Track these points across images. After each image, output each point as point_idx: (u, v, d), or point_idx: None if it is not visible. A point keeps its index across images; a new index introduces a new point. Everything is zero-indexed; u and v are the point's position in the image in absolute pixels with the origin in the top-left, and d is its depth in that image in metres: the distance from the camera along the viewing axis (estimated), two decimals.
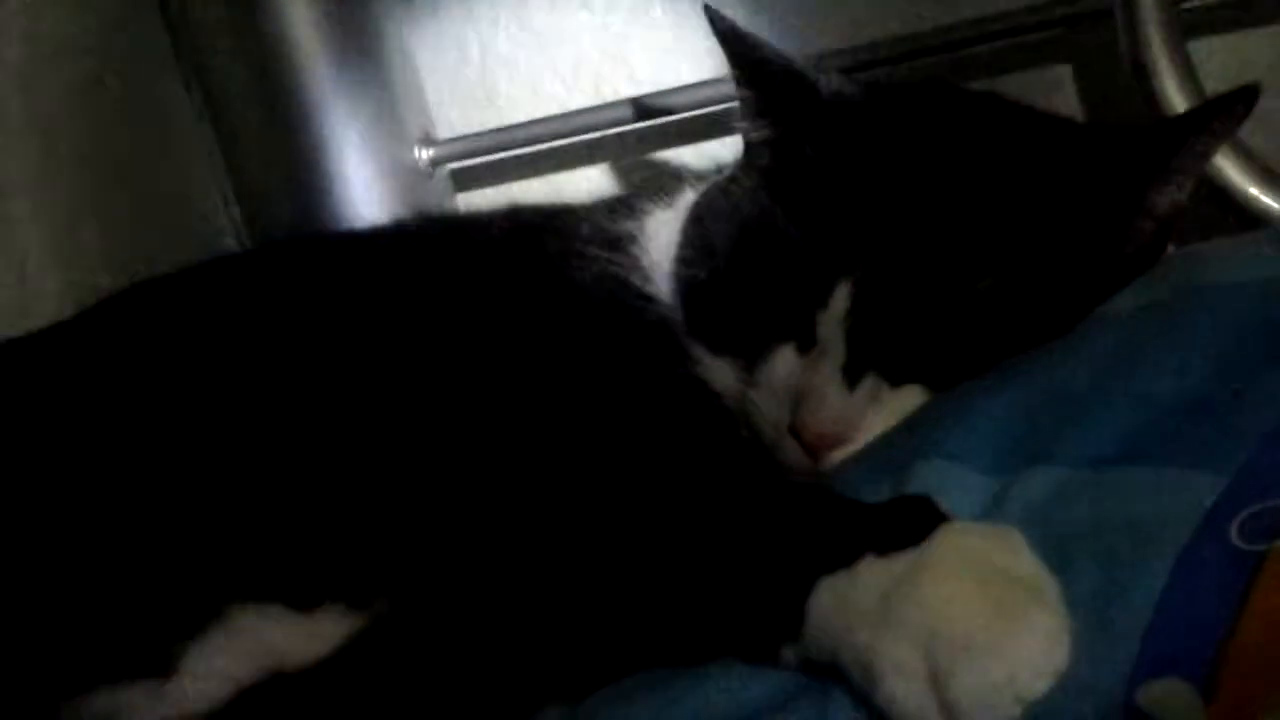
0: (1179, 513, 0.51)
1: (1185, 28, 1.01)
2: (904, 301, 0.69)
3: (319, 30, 1.19)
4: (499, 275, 0.83)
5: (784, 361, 0.74)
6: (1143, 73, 1.01)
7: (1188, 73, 1.00)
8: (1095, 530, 0.53)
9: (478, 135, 1.32)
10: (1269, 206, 0.98)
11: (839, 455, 0.69)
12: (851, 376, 0.70)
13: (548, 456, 0.69)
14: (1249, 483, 0.51)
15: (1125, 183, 0.73)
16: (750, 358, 0.75)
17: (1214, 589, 0.47)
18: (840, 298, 0.70)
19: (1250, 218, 0.98)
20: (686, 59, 1.29)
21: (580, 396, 0.73)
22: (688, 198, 0.88)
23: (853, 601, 0.51)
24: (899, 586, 0.50)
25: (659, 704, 0.57)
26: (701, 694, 0.56)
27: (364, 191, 1.22)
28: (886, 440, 0.68)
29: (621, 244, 0.86)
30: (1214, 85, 0.98)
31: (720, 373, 0.77)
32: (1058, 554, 0.52)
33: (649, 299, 0.82)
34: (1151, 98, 1.00)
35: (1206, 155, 0.76)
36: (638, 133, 1.29)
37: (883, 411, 0.70)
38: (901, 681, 0.48)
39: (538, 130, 1.29)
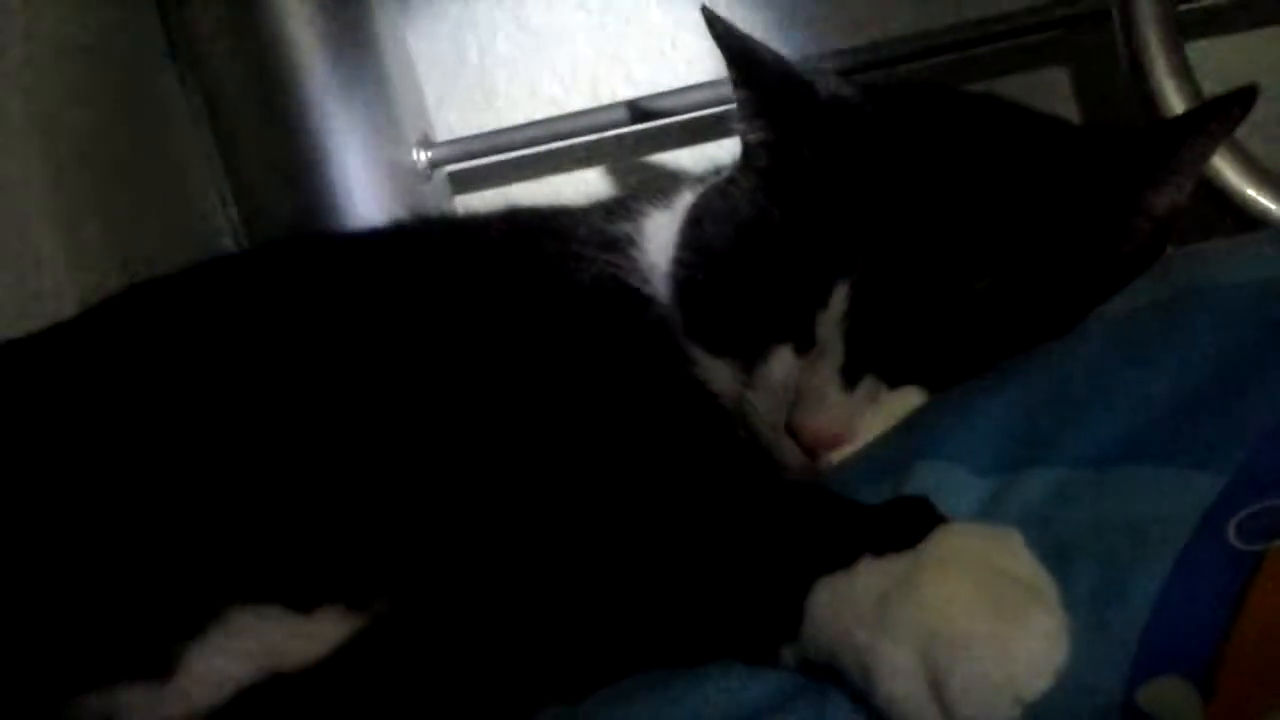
0: (1178, 513, 0.51)
1: (1183, 29, 1.01)
2: (902, 302, 0.70)
3: (317, 32, 1.19)
4: (497, 277, 0.83)
5: (782, 362, 0.74)
6: (1140, 74, 1.01)
7: (1185, 74, 1.00)
8: (1094, 530, 0.53)
9: (476, 137, 1.32)
10: (1266, 207, 0.98)
11: (837, 456, 0.69)
12: (850, 377, 0.70)
13: (546, 458, 0.69)
14: (1247, 483, 0.51)
15: (1123, 184, 0.73)
16: (748, 359, 0.75)
17: (1212, 589, 0.47)
18: (838, 298, 0.70)
19: (1248, 219, 0.98)
20: (684, 61, 1.29)
21: (579, 398, 0.73)
22: (685, 199, 0.88)
23: (851, 602, 0.51)
24: (897, 587, 0.50)
25: (658, 704, 0.57)
26: (700, 694, 0.56)
27: (362, 193, 1.22)
28: (885, 441, 0.68)
29: (619, 246, 0.86)
30: (1211, 87, 0.98)
31: (718, 374, 0.77)
32: (1056, 554, 0.52)
33: (647, 300, 0.82)
34: (1149, 99, 1.01)
35: (1204, 156, 0.76)
36: (635, 134, 1.29)
37: (881, 412, 0.69)
38: (900, 682, 0.48)
39: (535, 132, 1.29)
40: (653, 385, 0.77)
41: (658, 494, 0.64)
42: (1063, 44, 1.18)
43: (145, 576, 0.64)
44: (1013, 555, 0.52)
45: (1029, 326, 0.69)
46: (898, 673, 0.48)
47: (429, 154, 1.30)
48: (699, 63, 1.28)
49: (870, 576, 0.51)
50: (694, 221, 0.84)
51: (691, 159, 1.28)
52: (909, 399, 0.70)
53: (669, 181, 0.95)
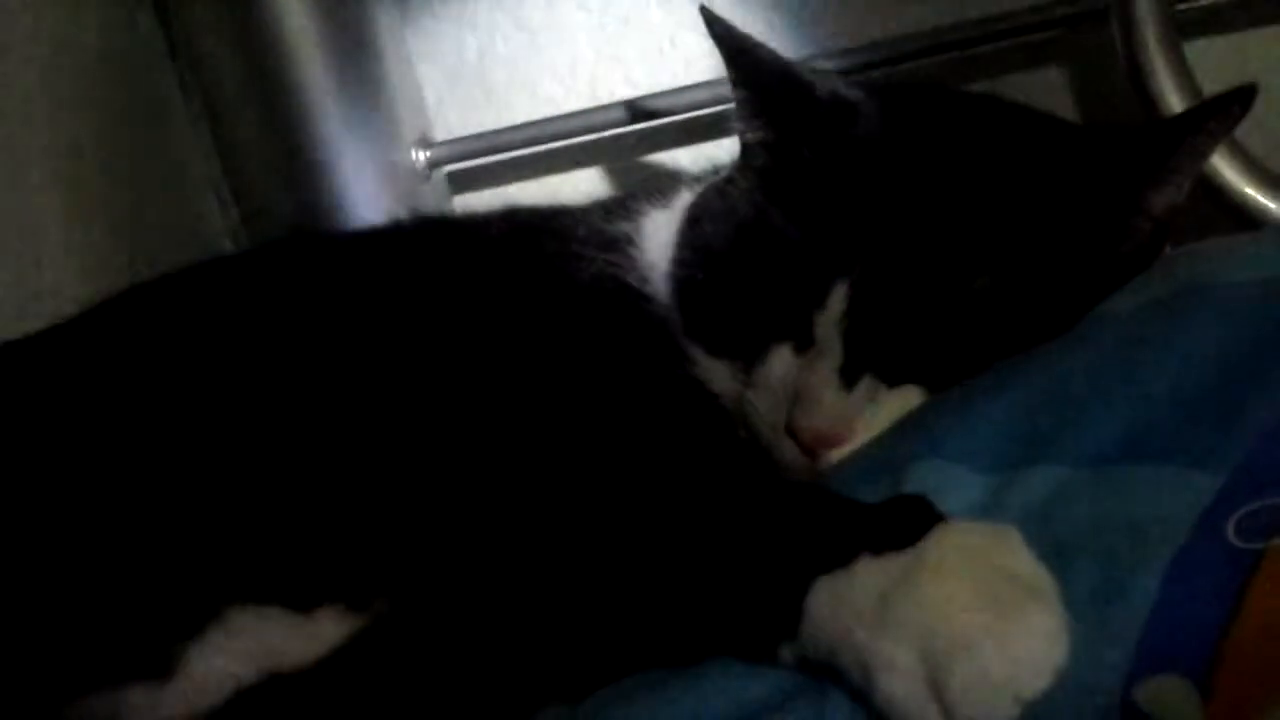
0: (1177, 512, 0.51)
1: (1181, 28, 1.01)
2: (901, 302, 0.70)
3: (316, 32, 1.19)
4: (496, 276, 0.83)
5: (781, 362, 0.74)
6: (1139, 73, 1.01)
7: (1184, 73, 1.00)
8: (1093, 529, 0.53)
9: (474, 137, 1.32)
10: (1265, 206, 0.98)
11: (836, 455, 0.69)
12: (849, 377, 0.70)
13: (546, 457, 0.69)
14: (1246, 481, 0.51)
15: (1122, 183, 0.73)
16: (748, 358, 0.75)
17: (1211, 587, 0.47)
18: (837, 298, 0.71)
19: (1247, 218, 0.98)
20: (683, 61, 1.29)
21: (578, 398, 0.73)
22: (684, 199, 0.89)
23: (850, 601, 0.51)
24: (896, 586, 0.50)
25: (657, 704, 0.57)
26: (700, 694, 0.56)
27: (361, 193, 1.22)
28: (884, 440, 0.68)
29: (618, 245, 0.86)
30: (1210, 86, 0.99)
31: (718, 373, 0.78)
32: (1056, 553, 0.51)
33: (646, 300, 0.82)
34: (1148, 98, 1.01)
35: (1203, 155, 0.76)
36: (634, 134, 1.29)
37: (880, 412, 0.70)
38: (899, 681, 0.48)
39: (534, 132, 1.29)
40: (652, 385, 0.77)
41: (657, 494, 0.64)
42: (1061, 43, 1.18)
43: (145, 577, 0.64)
44: (1012, 554, 0.52)
45: (1028, 326, 0.69)
46: (897, 671, 0.48)
47: (428, 154, 1.30)
48: (698, 62, 1.28)
49: (869, 575, 0.51)
50: (693, 221, 0.84)
51: (690, 159, 1.29)
52: (908, 398, 0.70)
53: (668, 181, 0.95)
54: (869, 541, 0.52)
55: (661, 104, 1.24)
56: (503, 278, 0.83)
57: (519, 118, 1.30)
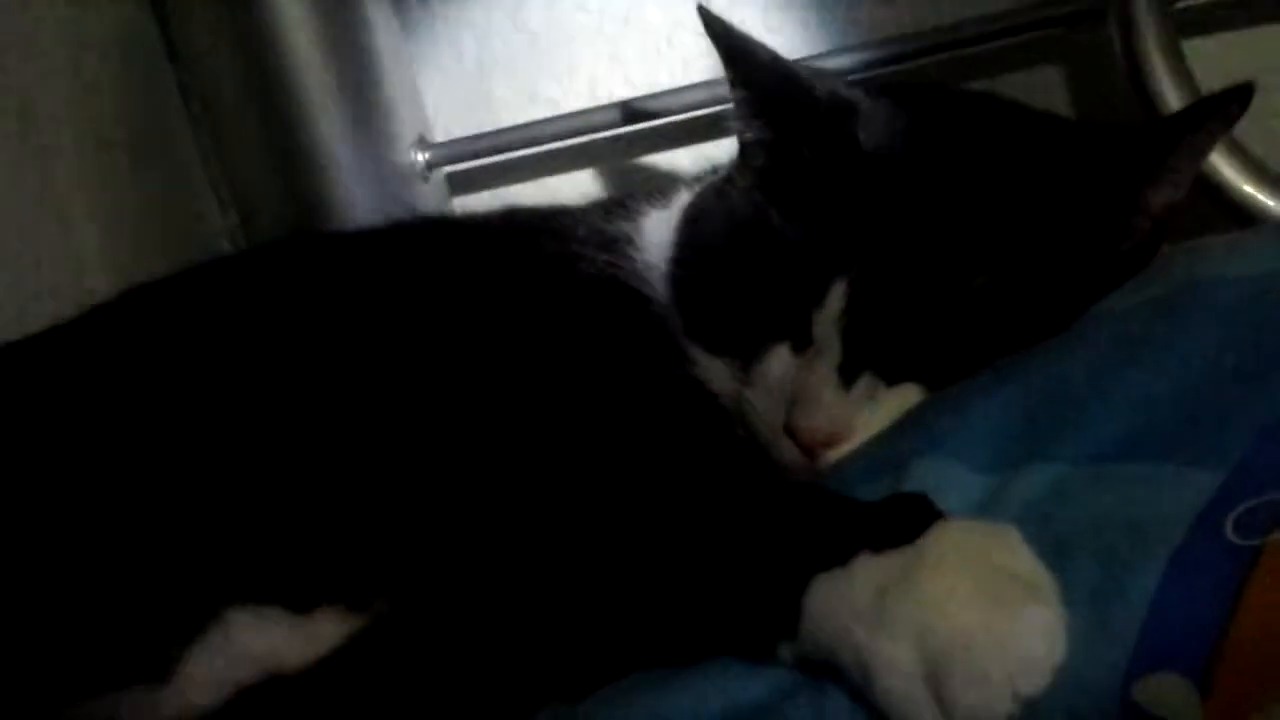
0: (1176, 510, 0.51)
1: (1180, 27, 1.01)
2: (900, 300, 0.70)
3: (313, 34, 1.19)
4: (496, 277, 0.83)
5: (780, 361, 0.74)
6: (1138, 72, 1.01)
7: (1183, 72, 1.00)
8: (1092, 527, 0.53)
9: (473, 138, 1.32)
10: (1264, 204, 0.98)
11: (835, 455, 0.69)
12: (847, 376, 0.70)
13: (545, 457, 0.69)
14: (1245, 478, 0.51)
15: (1120, 182, 0.73)
16: (746, 358, 0.75)
17: (1210, 584, 0.47)
18: (836, 297, 0.71)
19: (1245, 215, 0.98)
20: (681, 61, 1.29)
21: (577, 397, 0.73)
22: (683, 199, 0.89)
23: (849, 599, 0.51)
24: (895, 584, 0.50)
25: (658, 703, 0.57)
26: (699, 693, 0.56)
27: (360, 194, 1.22)
28: (883, 439, 0.68)
29: (617, 245, 0.86)
30: (1209, 84, 0.98)
31: (716, 373, 0.78)
32: (1055, 551, 0.51)
33: (645, 300, 0.82)
34: (1147, 97, 1.01)
35: (1202, 154, 0.76)
36: (633, 135, 1.29)
37: (879, 410, 0.70)
38: (898, 679, 0.48)
39: (533, 132, 1.29)
40: (651, 384, 0.77)
41: (657, 493, 0.64)
42: (1059, 42, 1.17)
43: (144, 579, 0.65)
44: (1011, 552, 0.52)
45: (1027, 324, 0.69)
46: (896, 669, 0.48)
47: (426, 155, 1.30)
48: (696, 62, 1.28)
49: (868, 573, 0.51)
50: (691, 221, 0.84)
51: (690, 159, 1.28)
52: (907, 397, 0.70)
53: (667, 181, 0.95)
54: (868, 540, 0.52)
55: (660, 104, 1.24)
56: (502, 278, 0.83)
57: (518, 118, 1.30)
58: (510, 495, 0.67)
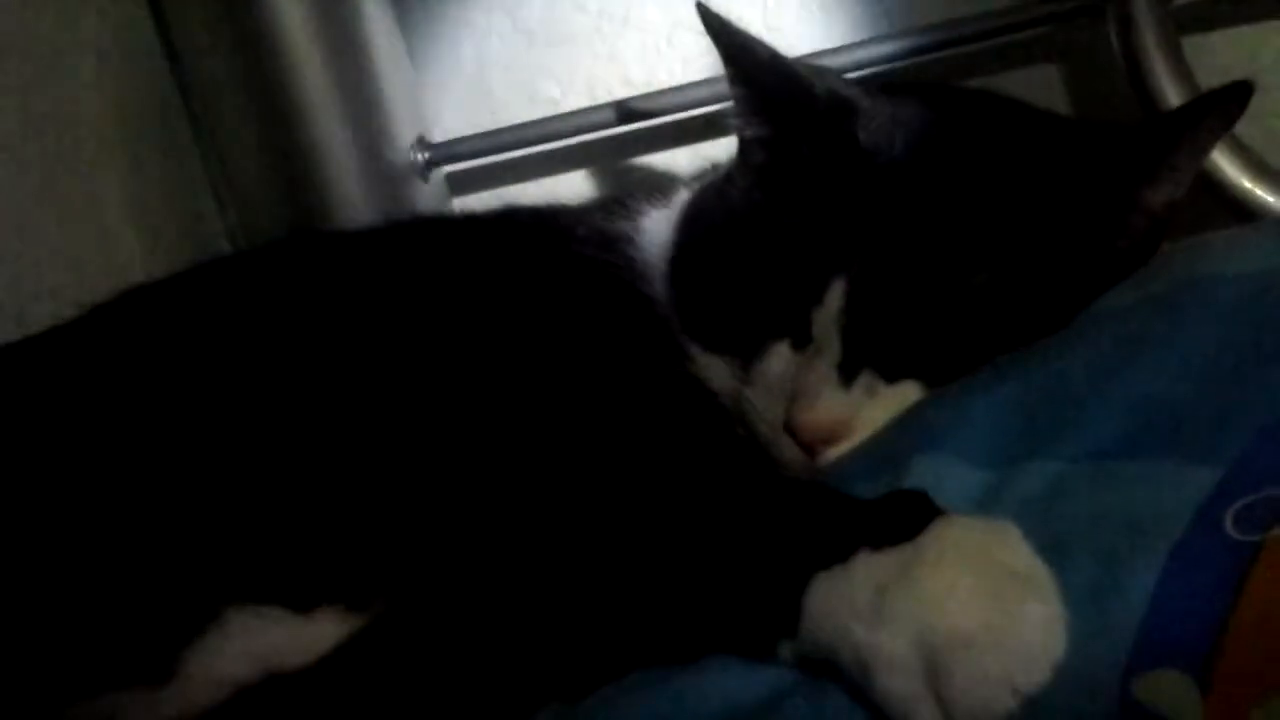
0: (1175, 506, 0.51)
1: (1179, 24, 1.01)
2: (899, 298, 0.70)
3: (312, 33, 1.19)
4: (495, 277, 0.83)
5: (779, 359, 0.74)
6: (1137, 69, 1.01)
7: (1182, 69, 1.00)
8: (1092, 524, 0.53)
9: (472, 138, 1.31)
10: (1264, 200, 0.98)
11: (835, 452, 0.69)
12: (847, 373, 0.70)
13: (545, 456, 0.69)
14: (1244, 474, 0.51)
15: (1119, 180, 0.73)
16: (746, 356, 0.76)
17: (1210, 580, 0.47)
18: (835, 295, 0.71)
19: (1246, 212, 0.98)
20: (680, 59, 1.29)
21: (577, 396, 0.73)
22: (682, 197, 0.89)
23: (848, 597, 0.51)
24: (895, 581, 0.50)
25: (658, 701, 0.57)
26: (699, 691, 0.56)
27: (359, 194, 1.22)
28: (882, 436, 0.68)
29: (617, 244, 0.86)
30: (1208, 81, 0.98)
31: (716, 371, 0.78)
32: (1054, 547, 0.51)
33: (645, 299, 0.82)
34: (1146, 94, 1.01)
35: (1202, 152, 0.76)
36: (632, 134, 1.29)
37: (878, 408, 0.70)
38: (897, 676, 0.48)
39: (533, 132, 1.29)
40: (651, 383, 0.77)
41: (656, 492, 0.64)
42: (1057, 40, 1.17)
43: (144, 579, 0.64)
44: (1010, 548, 0.51)
45: (1026, 322, 0.69)
46: (895, 666, 0.48)
47: (426, 154, 1.29)
48: (696, 61, 1.27)
49: (867, 570, 0.51)
50: (691, 219, 0.85)
51: (689, 158, 1.28)
52: (907, 394, 0.70)
53: (666, 180, 0.95)
54: (867, 537, 0.52)
55: (659, 103, 1.24)
56: (502, 278, 0.83)
57: (517, 118, 1.30)
58: (510, 494, 0.67)
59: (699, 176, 0.92)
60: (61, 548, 0.65)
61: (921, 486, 0.58)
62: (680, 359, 0.79)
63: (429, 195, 1.30)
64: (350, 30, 1.23)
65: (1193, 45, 1.03)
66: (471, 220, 0.98)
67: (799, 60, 0.83)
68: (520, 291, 0.81)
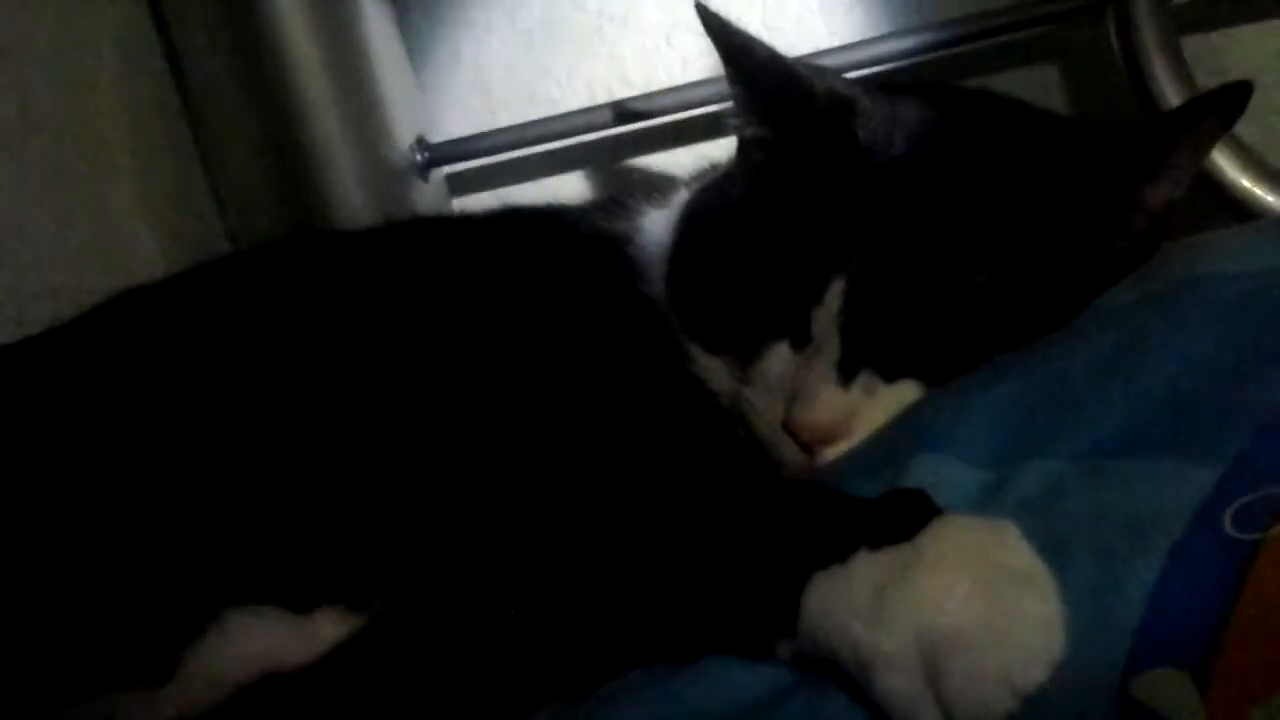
0: (1174, 505, 0.51)
1: (1178, 24, 1.01)
2: (899, 297, 0.70)
3: (310, 34, 1.19)
4: (495, 276, 0.83)
5: (779, 358, 0.74)
6: (1136, 69, 1.01)
7: (1181, 69, 1.00)
8: (1091, 523, 0.53)
9: (472, 138, 1.32)
10: (1264, 200, 0.98)
11: (834, 452, 0.69)
12: (846, 373, 0.70)
13: (544, 455, 0.69)
14: (1243, 473, 0.51)
15: (1119, 179, 0.73)
16: (745, 355, 0.76)
17: (1209, 579, 0.47)
18: (834, 294, 0.71)
19: (1245, 211, 0.98)
20: (679, 59, 1.29)
21: (576, 396, 0.73)
22: (682, 197, 0.89)
23: (847, 596, 0.51)
24: (894, 581, 0.50)
25: (657, 700, 0.57)
26: (698, 690, 0.56)
27: (359, 194, 1.22)
28: (882, 435, 0.68)
29: (616, 244, 0.86)
30: (1207, 81, 0.98)
31: (716, 371, 0.78)
32: (1053, 546, 0.51)
33: (645, 298, 0.82)
34: (1145, 94, 1.01)
35: (1202, 151, 0.76)
36: (632, 134, 1.29)
37: (878, 407, 0.70)
38: (897, 675, 0.48)
39: (532, 132, 1.29)
40: (650, 383, 0.77)
41: (655, 491, 0.64)
42: (1056, 39, 1.17)
43: (144, 580, 0.64)
44: (1009, 548, 0.51)
45: (1025, 321, 0.69)
46: (894, 666, 0.48)
47: (425, 155, 1.30)
48: (695, 61, 1.27)
49: (867, 569, 0.51)
50: (690, 219, 0.85)
51: (689, 158, 1.28)
52: (906, 393, 0.70)
53: (666, 180, 0.95)
54: (867, 536, 0.52)
55: (659, 103, 1.24)
56: (501, 277, 0.83)
57: (516, 118, 1.30)
58: (510, 494, 0.67)
59: (698, 176, 0.91)
60: (61, 548, 0.65)
61: (920, 485, 0.58)
62: (680, 359, 0.79)
63: (428, 195, 1.30)
64: (349, 31, 1.23)
65: (1192, 45, 1.03)
66: (470, 221, 0.98)
67: (798, 60, 0.83)
68: (520, 292, 0.81)
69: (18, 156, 1.07)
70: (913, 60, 1.15)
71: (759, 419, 0.74)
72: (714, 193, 0.85)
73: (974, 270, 0.70)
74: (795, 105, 0.79)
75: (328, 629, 0.65)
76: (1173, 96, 0.99)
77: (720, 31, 0.82)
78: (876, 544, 0.52)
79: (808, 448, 0.70)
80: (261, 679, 0.63)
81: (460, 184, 1.37)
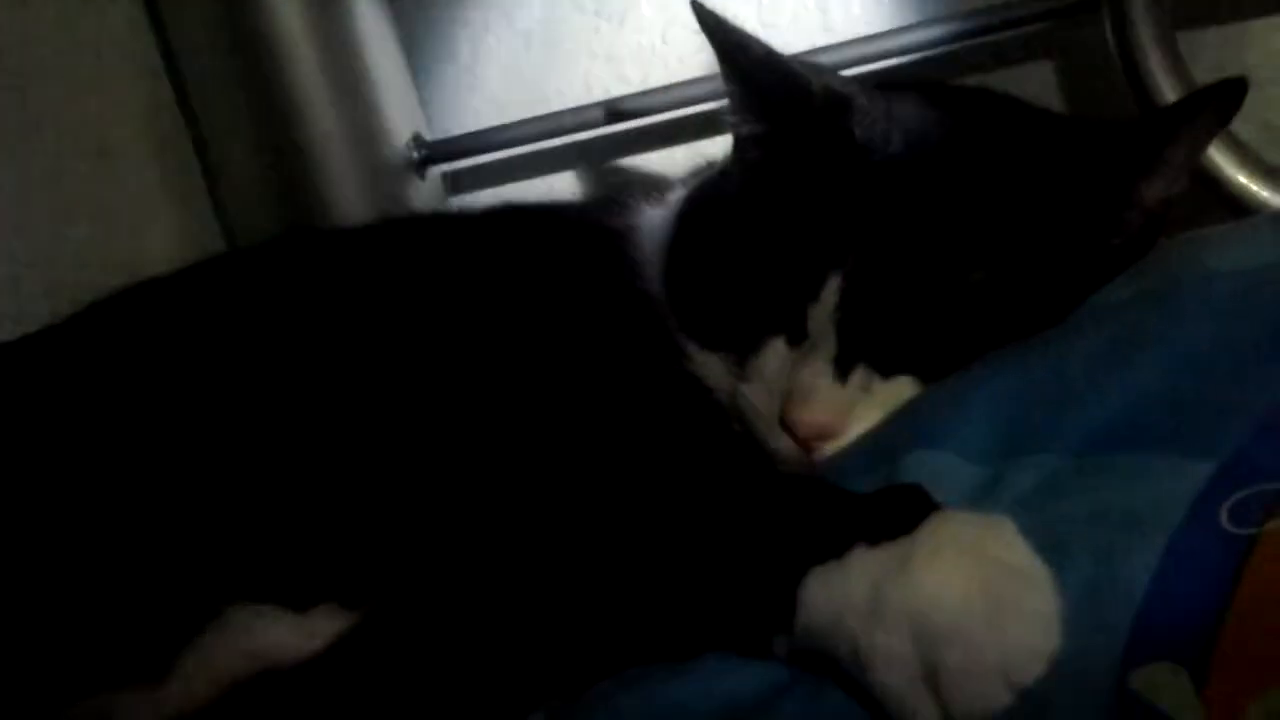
0: (1171, 500, 0.51)
1: (1174, 20, 1.01)
2: (895, 294, 0.70)
3: (308, 32, 1.19)
4: (491, 274, 0.83)
5: (775, 355, 0.74)
6: (1132, 65, 1.01)
7: (1177, 65, 1.00)
8: (1088, 518, 0.53)
9: (468, 135, 1.32)
10: (1260, 196, 0.98)
11: (831, 448, 0.69)
12: (842, 369, 0.70)
13: (540, 452, 0.69)
14: (1239, 468, 0.51)
15: (1115, 175, 0.73)
16: (742, 352, 0.76)
17: (1206, 573, 0.47)
18: (831, 291, 0.71)
19: (1242, 207, 0.98)
20: (676, 57, 1.29)
21: (573, 393, 0.73)
22: (678, 194, 0.89)
23: (844, 591, 0.51)
24: (890, 576, 0.50)
25: (654, 696, 0.57)
26: (695, 687, 0.56)
27: (356, 192, 1.22)
28: (878, 431, 0.68)
29: (613, 241, 0.86)
30: (1204, 77, 0.98)
31: (712, 367, 0.78)
32: (1050, 542, 0.51)
33: (641, 295, 0.82)
34: (1141, 90, 1.00)
35: (1198, 147, 0.76)
36: (628, 131, 1.29)
37: (874, 403, 0.70)
38: (894, 671, 0.49)
39: (529, 130, 1.29)
40: (647, 379, 0.77)
41: (652, 487, 0.64)
42: (1052, 36, 1.17)
43: (143, 579, 0.64)
44: (1006, 543, 0.52)
45: (1022, 317, 0.69)
46: (891, 661, 0.48)
47: (422, 153, 1.30)
48: (691, 59, 1.27)
49: (863, 565, 0.51)
50: (686, 216, 0.84)
51: (685, 155, 1.28)
52: (902, 390, 0.70)
53: (662, 178, 0.95)
54: (863, 532, 0.52)
55: (655, 100, 1.24)
56: (498, 275, 0.83)
57: (512, 116, 1.30)
58: (507, 491, 0.67)
59: (695, 174, 0.91)
60: (59, 547, 0.66)
61: (917, 481, 0.58)
62: (677, 356, 0.79)
63: (425, 193, 1.30)
64: (346, 29, 1.23)
65: (1188, 41, 1.03)
66: (467, 218, 0.98)
67: (794, 57, 0.83)
68: (516, 289, 0.81)
69: (18, 156, 1.07)
70: (909, 57, 1.15)
71: (756, 415, 0.74)
72: (710, 190, 0.85)
73: (970, 267, 0.70)
74: (791, 103, 0.79)
75: (326, 627, 0.65)
76: (1169, 93, 0.99)
77: (716, 29, 0.82)
78: (873, 540, 0.52)
79: (804, 444, 0.70)
80: (258, 676, 0.63)
81: (457, 182, 1.37)
